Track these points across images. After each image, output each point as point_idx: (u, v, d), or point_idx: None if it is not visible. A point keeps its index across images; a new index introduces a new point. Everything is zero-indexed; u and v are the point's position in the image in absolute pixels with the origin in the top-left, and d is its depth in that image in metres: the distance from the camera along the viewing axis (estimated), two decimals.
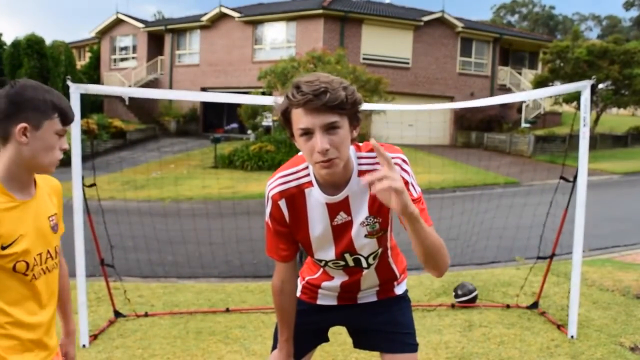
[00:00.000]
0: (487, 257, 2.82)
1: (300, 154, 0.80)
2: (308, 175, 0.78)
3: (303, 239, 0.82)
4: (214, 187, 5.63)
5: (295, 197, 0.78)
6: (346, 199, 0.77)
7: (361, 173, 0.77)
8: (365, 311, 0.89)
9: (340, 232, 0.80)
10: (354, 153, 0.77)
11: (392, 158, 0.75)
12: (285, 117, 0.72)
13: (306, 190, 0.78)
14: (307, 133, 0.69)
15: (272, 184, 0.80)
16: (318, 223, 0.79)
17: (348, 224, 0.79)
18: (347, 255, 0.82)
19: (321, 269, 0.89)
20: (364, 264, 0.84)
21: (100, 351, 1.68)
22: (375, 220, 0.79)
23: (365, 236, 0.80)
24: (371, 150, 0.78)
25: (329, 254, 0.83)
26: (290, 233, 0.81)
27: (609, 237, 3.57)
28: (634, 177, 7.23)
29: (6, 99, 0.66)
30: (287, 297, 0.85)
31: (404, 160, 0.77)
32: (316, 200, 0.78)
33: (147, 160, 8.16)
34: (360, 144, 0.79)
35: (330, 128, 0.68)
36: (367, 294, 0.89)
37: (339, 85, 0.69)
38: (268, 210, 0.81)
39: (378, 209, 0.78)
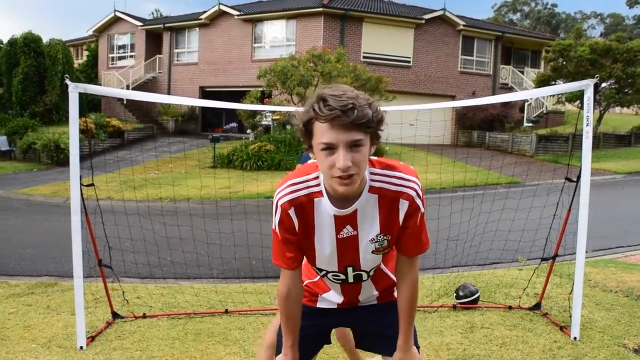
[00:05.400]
0: (490, 258, 2.80)
1: (310, 161, 0.79)
2: (318, 185, 0.77)
3: (307, 248, 0.81)
4: (213, 187, 5.60)
5: (304, 206, 0.77)
6: (354, 212, 0.76)
7: (372, 189, 0.76)
8: (365, 314, 0.89)
9: (345, 245, 0.79)
10: (367, 168, 0.76)
11: (407, 180, 0.75)
12: (307, 128, 0.70)
13: (315, 200, 0.77)
14: (330, 148, 0.68)
15: (282, 192, 0.79)
16: (324, 234, 0.79)
17: (353, 239, 0.78)
18: (349, 270, 0.82)
19: (319, 276, 0.89)
20: (364, 278, 0.84)
21: (98, 353, 1.66)
22: (385, 237, 0.79)
23: (373, 252, 0.80)
24: (385, 168, 0.77)
25: (331, 265, 0.82)
26: (298, 241, 0.80)
27: (612, 238, 3.54)
28: (638, 176, 7.16)
29: None
30: (293, 303, 0.85)
31: (419, 186, 0.77)
32: (325, 210, 0.77)
33: (145, 160, 8.12)
34: (374, 159, 0.78)
35: (354, 145, 0.68)
36: (367, 301, 0.90)
37: (365, 102, 0.68)
38: (277, 218, 0.79)
39: (390, 227, 0.78)
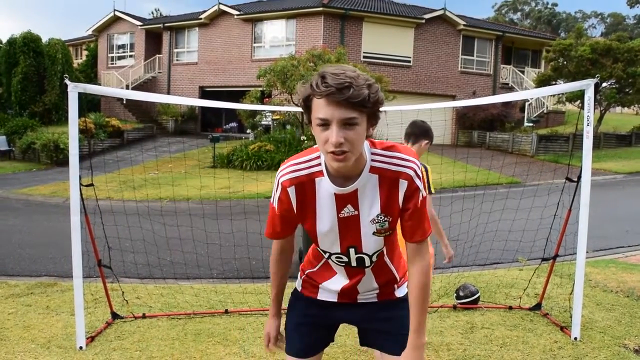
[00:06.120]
0: (490, 259, 2.79)
1: (315, 147, 0.81)
2: (319, 164, 0.78)
3: (310, 227, 0.82)
4: (213, 187, 5.61)
5: (305, 186, 0.79)
6: (355, 192, 0.77)
7: (373, 169, 0.77)
8: (366, 311, 0.89)
9: (346, 225, 0.80)
10: (367, 148, 0.78)
11: (406, 160, 0.77)
12: (306, 103, 0.73)
13: (316, 180, 0.78)
14: (325, 124, 0.70)
15: (284, 170, 0.81)
16: (325, 213, 0.80)
17: (355, 219, 0.79)
18: (351, 251, 0.83)
19: (321, 262, 0.89)
20: (367, 263, 0.84)
21: (98, 353, 1.66)
22: (386, 218, 0.79)
23: (374, 233, 0.80)
24: (385, 149, 0.78)
25: (334, 246, 0.83)
26: (293, 218, 0.82)
27: (612, 238, 3.55)
28: (638, 176, 7.16)
29: None
30: (282, 263, 0.91)
31: (418, 167, 0.79)
32: (325, 190, 0.78)
33: (144, 160, 8.13)
34: (376, 140, 0.79)
35: (347, 123, 0.69)
36: (367, 296, 0.89)
37: (364, 82, 0.69)
38: (276, 195, 0.82)
39: (390, 208, 0.79)
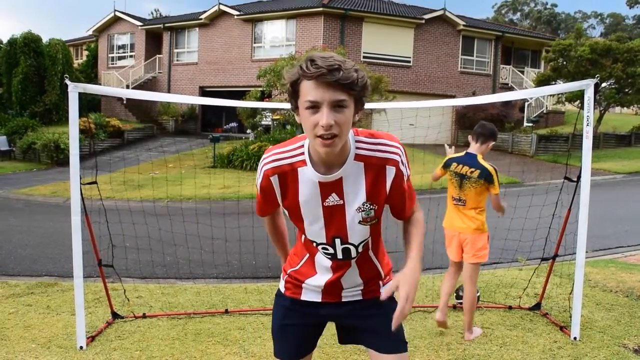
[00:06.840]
0: (489, 258, 2.81)
1: (300, 135, 0.81)
2: (302, 154, 0.78)
3: (295, 217, 0.82)
4: (213, 187, 5.63)
5: (288, 175, 0.79)
6: (339, 180, 0.77)
7: (357, 157, 0.77)
8: (351, 310, 0.88)
9: (332, 214, 0.80)
10: (352, 136, 0.78)
11: (391, 146, 0.78)
12: (294, 88, 0.72)
13: (299, 169, 0.78)
14: (314, 107, 0.70)
15: (266, 159, 0.81)
16: (310, 202, 0.79)
17: (340, 208, 0.79)
18: (337, 242, 0.82)
19: (304, 259, 0.88)
20: (353, 254, 0.84)
21: (98, 353, 1.66)
22: (372, 207, 0.79)
23: (360, 222, 0.80)
24: (369, 136, 0.79)
25: (320, 236, 0.83)
26: (277, 201, 0.83)
27: (612, 238, 3.56)
28: (638, 177, 7.21)
29: None
30: (277, 234, 0.96)
31: (402, 152, 0.79)
32: (309, 178, 0.78)
33: (145, 160, 8.12)
34: (358, 129, 0.80)
35: (337, 105, 0.69)
36: (351, 293, 0.88)
37: (352, 67, 0.70)
38: (259, 181, 0.83)
39: (376, 195, 0.79)
